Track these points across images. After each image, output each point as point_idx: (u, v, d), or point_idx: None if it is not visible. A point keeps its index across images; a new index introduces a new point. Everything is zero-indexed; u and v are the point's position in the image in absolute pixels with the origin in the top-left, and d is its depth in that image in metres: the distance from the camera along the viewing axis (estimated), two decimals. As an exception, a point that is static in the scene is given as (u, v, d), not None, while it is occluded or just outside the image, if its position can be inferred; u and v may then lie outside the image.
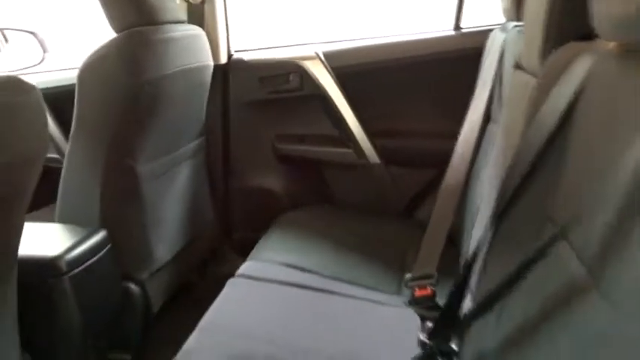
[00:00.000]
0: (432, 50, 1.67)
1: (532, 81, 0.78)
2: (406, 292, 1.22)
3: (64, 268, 1.12)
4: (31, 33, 1.78)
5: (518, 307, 0.68)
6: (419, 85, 1.68)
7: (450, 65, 1.64)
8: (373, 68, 1.70)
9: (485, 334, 0.79)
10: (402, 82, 1.70)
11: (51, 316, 1.14)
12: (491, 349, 0.75)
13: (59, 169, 1.38)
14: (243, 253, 1.44)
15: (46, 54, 1.93)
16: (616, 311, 0.40)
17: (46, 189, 1.29)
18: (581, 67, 0.63)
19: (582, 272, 0.50)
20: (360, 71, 1.71)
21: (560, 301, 0.55)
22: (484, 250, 0.82)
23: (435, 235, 1.24)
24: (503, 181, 0.77)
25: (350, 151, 1.74)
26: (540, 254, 0.62)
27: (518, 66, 0.93)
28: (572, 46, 0.69)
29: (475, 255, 0.85)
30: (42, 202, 1.46)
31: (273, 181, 1.84)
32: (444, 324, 0.90)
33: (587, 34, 0.65)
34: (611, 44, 0.61)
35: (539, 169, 0.67)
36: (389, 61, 1.68)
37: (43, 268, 1.12)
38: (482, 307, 0.74)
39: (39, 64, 1.89)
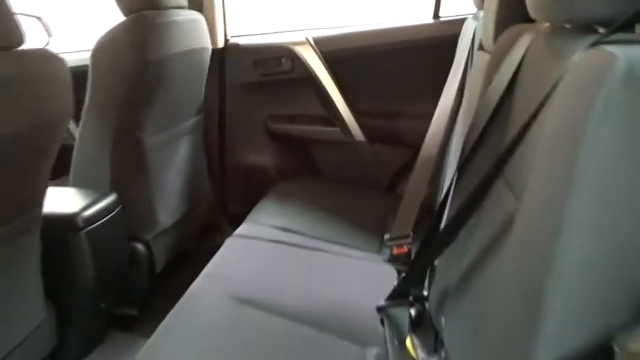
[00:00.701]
0: (413, 37, 1.81)
1: (487, 57, 0.93)
2: (386, 251, 1.37)
3: (81, 224, 1.26)
4: (37, 18, 1.89)
5: (471, 241, 0.84)
6: (401, 69, 1.82)
7: (430, 51, 1.78)
8: (359, 53, 1.84)
9: (448, 274, 0.94)
10: (386, 66, 1.84)
11: (68, 267, 1.28)
12: (452, 285, 0.90)
13: (70, 145, 1.50)
14: (237, 226, 1.54)
15: (50, 38, 2.05)
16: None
17: (58, 163, 1.43)
18: (522, 44, 0.78)
19: (511, 200, 0.65)
20: (347, 56, 1.84)
21: (499, 226, 0.70)
22: (449, 201, 0.97)
23: (411, 200, 1.39)
24: (464, 142, 0.92)
25: (337, 129, 1.88)
26: (487, 197, 0.77)
27: (480, 47, 1.08)
28: (518, 27, 0.84)
29: (442, 206, 1.00)
30: (55, 174, 1.59)
31: (265, 157, 1.98)
32: (416, 270, 1.05)
33: (530, 18, 0.80)
34: (545, 25, 0.76)
35: (490, 130, 0.83)
36: (374, 47, 1.82)
37: (63, 224, 1.25)
38: (440, 245, 0.89)
39: (45, 46, 2.00)
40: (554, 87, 0.58)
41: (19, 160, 0.96)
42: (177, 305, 1.06)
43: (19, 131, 0.90)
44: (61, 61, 0.98)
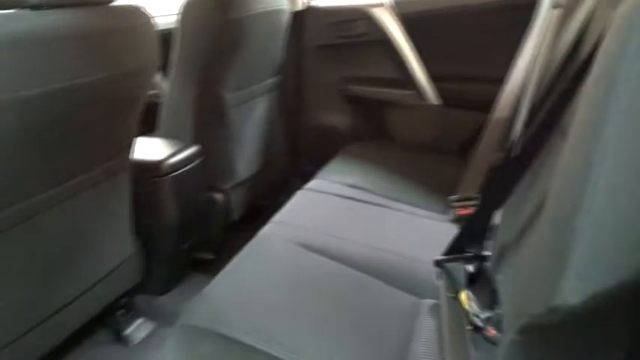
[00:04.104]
0: None
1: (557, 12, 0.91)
2: (452, 212, 1.39)
3: (166, 170, 1.38)
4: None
5: (528, 197, 0.84)
6: (478, 31, 1.77)
7: (509, 13, 1.71)
8: (437, 15, 1.81)
9: (506, 231, 0.95)
10: (466, 28, 1.80)
11: (154, 209, 1.41)
12: (509, 241, 0.91)
13: (157, 103, 1.63)
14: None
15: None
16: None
17: (149, 119, 1.56)
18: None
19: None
20: (425, 18, 1.83)
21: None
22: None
23: (479, 164, 1.39)
24: (533, 94, 0.91)
25: (411, 92, 1.89)
26: (546, 150, 0.77)
27: (555, 5, 1.06)
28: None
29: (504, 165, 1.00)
30: (145, 130, 1.73)
31: (339, 118, 2.03)
32: (473, 225, 1.06)
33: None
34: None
35: (558, 82, 0.82)
36: (451, 9, 1.78)
37: (151, 169, 1.38)
38: (498, 200, 0.90)
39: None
40: (603, 34, 0.58)
41: (111, 105, 1.07)
42: (246, 247, 1.15)
43: (109, 78, 1.00)
44: (146, 15, 1.08)
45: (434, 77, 1.86)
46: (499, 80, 1.51)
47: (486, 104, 1.70)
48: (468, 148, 1.92)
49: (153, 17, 1.11)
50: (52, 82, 0.88)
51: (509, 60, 1.48)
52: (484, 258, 1.09)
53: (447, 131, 1.90)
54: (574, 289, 0.48)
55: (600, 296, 0.46)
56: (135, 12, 1.07)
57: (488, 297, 1.00)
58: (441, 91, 1.86)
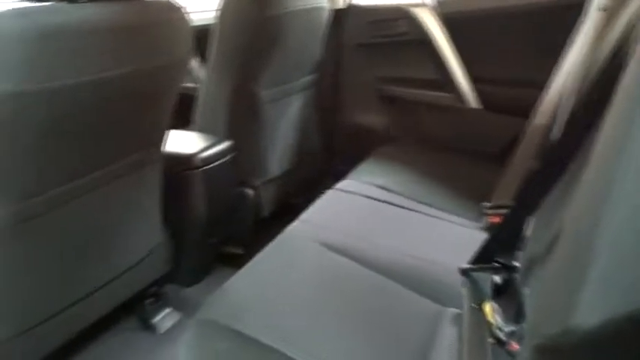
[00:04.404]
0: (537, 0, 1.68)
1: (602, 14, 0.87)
2: (484, 220, 1.35)
3: (198, 163, 1.40)
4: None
5: (560, 208, 0.80)
6: (521, 34, 1.71)
7: (555, 16, 1.65)
8: (479, 16, 1.76)
9: (536, 243, 0.91)
10: (510, 30, 1.74)
11: (184, 201, 1.43)
12: (539, 254, 0.87)
13: (194, 97, 1.65)
14: None
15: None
16: None
17: (185, 112, 1.58)
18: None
19: None
20: (465, 19, 1.78)
21: None
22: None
23: (515, 170, 1.35)
24: (572, 102, 0.87)
25: (449, 94, 1.85)
26: (580, 159, 0.73)
27: (600, 8, 1.00)
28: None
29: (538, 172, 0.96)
30: (181, 123, 1.76)
31: (375, 118, 2.01)
32: (502, 233, 1.03)
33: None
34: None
35: (593, 91, 0.78)
36: (498, 9, 1.72)
37: (182, 162, 1.40)
38: (528, 208, 0.86)
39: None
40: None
41: (142, 98, 1.09)
42: (270, 244, 1.15)
43: (141, 71, 1.02)
44: (180, 10, 1.09)
45: (474, 79, 1.81)
46: (542, 85, 1.46)
47: (527, 109, 1.65)
48: (507, 154, 1.87)
49: (187, 12, 1.12)
50: (84, 75, 0.90)
51: (553, 64, 1.42)
52: (513, 269, 1.05)
53: (486, 136, 1.85)
54: (591, 308, 0.46)
55: (619, 318, 0.43)
56: (169, 7, 1.08)
57: (514, 310, 0.97)
58: (480, 94, 1.81)
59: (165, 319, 1.47)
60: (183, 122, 1.74)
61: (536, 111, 1.41)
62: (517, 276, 1.02)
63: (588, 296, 0.45)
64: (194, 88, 1.71)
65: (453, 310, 1.03)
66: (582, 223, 0.50)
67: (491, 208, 1.34)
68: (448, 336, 0.97)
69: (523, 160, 1.33)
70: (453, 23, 1.80)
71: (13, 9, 0.81)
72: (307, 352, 0.86)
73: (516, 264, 1.06)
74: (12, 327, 1.02)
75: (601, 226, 0.43)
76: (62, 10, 0.87)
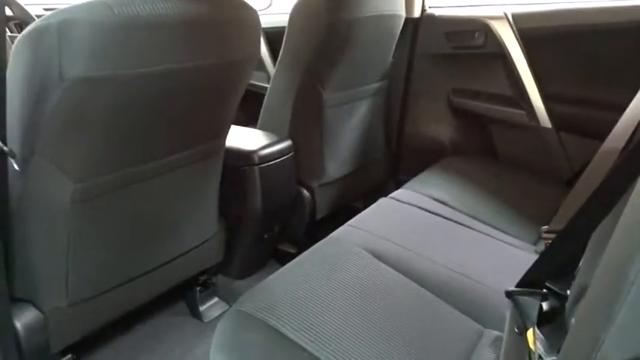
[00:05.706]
0: (621, 19, 1.58)
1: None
2: (542, 244, 1.29)
3: (257, 160, 1.44)
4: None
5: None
6: (602, 53, 1.62)
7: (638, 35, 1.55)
8: (559, 32, 1.68)
9: (587, 273, 0.86)
10: (590, 48, 1.66)
11: (241, 196, 1.48)
12: (588, 285, 0.83)
13: (263, 95, 1.70)
14: None
15: (273, 1, 2.30)
16: None
17: (255, 110, 1.63)
18: None
19: None
20: (545, 35, 1.71)
21: None
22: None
23: (579, 194, 1.27)
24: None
25: (522, 112, 1.78)
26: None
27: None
28: None
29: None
30: (250, 120, 1.81)
31: (443, 130, 1.97)
32: (550, 258, 0.97)
33: None
34: None
35: None
36: (576, 27, 1.65)
37: (242, 157, 1.44)
38: (579, 234, 0.81)
39: (266, 8, 2.26)
40: None
41: (211, 91, 1.13)
42: (315, 245, 1.16)
43: (211, 65, 1.06)
44: (251, 8, 1.13)
45: (548, 98, 1.74)
46: (620, 107, 1.37)
47: (604, 133, 1.55)
48: (579, 178, 1.77)
49: (257, 11, 1.16)
50: (153, 65, 0.94)
51: (634, 86, 1.33)
52: (564, 297, 1.00)
53: (558, 157, 1.77)
54: (616, 347, 0.43)
55: None
56: (241, 4, 1.12)
57: (559, 340, 0.92)
58: (554, 114, 1.73)
59: (211, 308, 1.52)
60: (250, 120, 1.80)
61: (610, 135, 1.33)
62: (567, 305, 0.97)
63: (614, 334, 0.43)
64: (264, 87, 1.76)
65: (494, 333, 1.00)
66: (617, 256, 0.47)
67: (548, 232, 1.28)
68: (485, 358, 0.93)
69: (588, 185, 1.25)
70: (529, 37, 1.73)
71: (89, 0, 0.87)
72: (335, 355, 0.86)
73: (568, 292, 1.01)
74: (71, 296, 1.09)
75: (635, 262, 0.41)
76: (136, 2, 0.92)
